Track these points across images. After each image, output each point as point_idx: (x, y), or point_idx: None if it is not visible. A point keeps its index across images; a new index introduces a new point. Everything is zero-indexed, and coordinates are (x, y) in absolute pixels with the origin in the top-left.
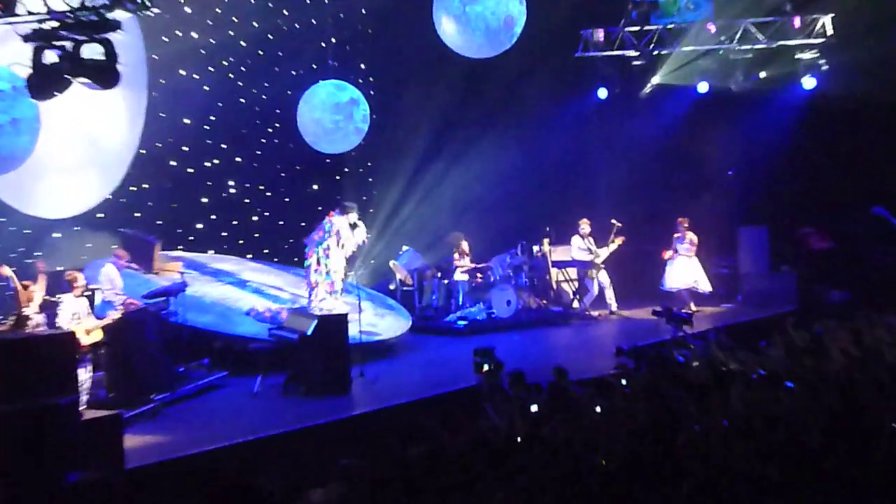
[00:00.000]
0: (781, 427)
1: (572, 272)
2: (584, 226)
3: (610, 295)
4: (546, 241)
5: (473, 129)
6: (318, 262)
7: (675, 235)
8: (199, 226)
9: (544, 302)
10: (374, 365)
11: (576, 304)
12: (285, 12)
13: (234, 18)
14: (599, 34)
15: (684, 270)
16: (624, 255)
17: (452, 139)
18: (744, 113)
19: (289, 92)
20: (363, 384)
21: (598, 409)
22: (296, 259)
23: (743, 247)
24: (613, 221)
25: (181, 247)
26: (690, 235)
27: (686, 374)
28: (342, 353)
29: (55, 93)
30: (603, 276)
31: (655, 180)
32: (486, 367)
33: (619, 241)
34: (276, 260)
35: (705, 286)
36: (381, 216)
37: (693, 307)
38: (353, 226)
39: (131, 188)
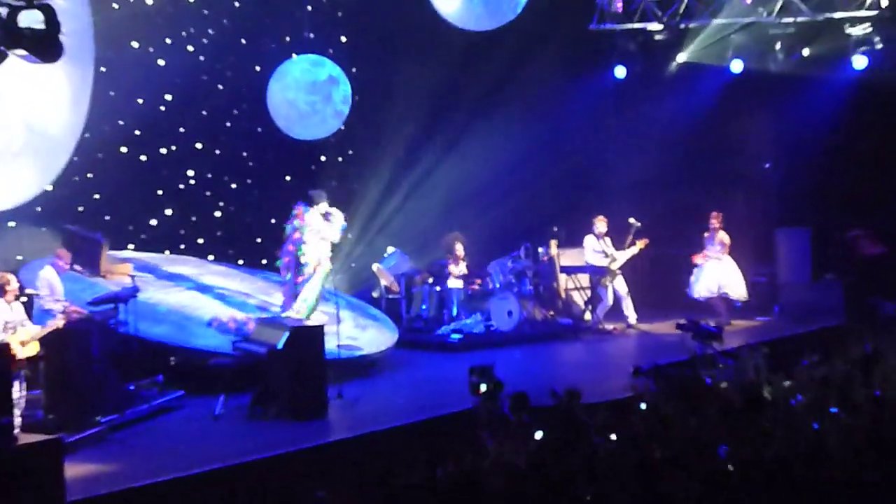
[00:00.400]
0: (827, 463)
1: (584, 279)
2: (600, 224)
3: (627, 305)
4: (554, 242)
5: (471, 114)
6: (299, 271)
7: (705, 235)
8: (153, 222)
9: (551, 313)
10: (354, 384)
11: (588, 316)
12: None
13: None
14: (618, 4)
15: (714, 275)
16: (644, 260)
17: (447, 125)
18: (784, 96)
19: (258, 68)
20: (341, 406)
21: (613, 436)
22: (265, 261)
23: (781, 252)
24: (632, 221)
25: (132, 246)
26: (721, 235)
27: (715, 397)
28: (318, 371)
29: None
30: (619, 284)
31: (681, 174)
32: (483, 388)
33: (640, 244)
34: (241, 262)
35: (739, 293)
36: (364, 212)
37: (728, 320)
38: (326, 215)
39: (74, 178)
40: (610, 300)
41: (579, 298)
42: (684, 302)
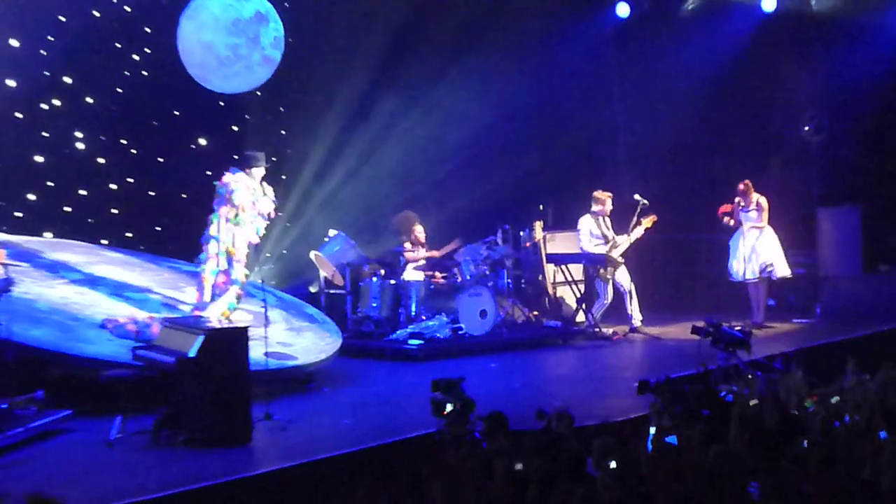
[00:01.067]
0: (878, 502)
1: (577, 270)
2: (601, 201)
3: (631, 304)
4: (539, 224)
5: (436, 62)
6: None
7: (737, 203)
8: (32, 197)
9: (535, 313)
10: (286, 402)
11: (581, 317)
12: None
13: None
14: None
15: (756, 249)
16: (654, 247)
17: (406, 76)
18: (829, 42)
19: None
20: (270, 430)
21: (612, 464)
22: (171, 247)
23: (824, 237)
24: (637, 197)
25: (4, 228)
26: (758, 198)
27: (741, 419)
28: (240, 385)
29: None
30: (622, 276)
31: (699, 140)
32: (449, 408)
33: (647, 222)
34: (143, 248)
35: (782, 270)
36: (299, 186)
37: (761, 320)
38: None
39: None
40: (609, 297)
41: (570, 295)
42: (702, 303)
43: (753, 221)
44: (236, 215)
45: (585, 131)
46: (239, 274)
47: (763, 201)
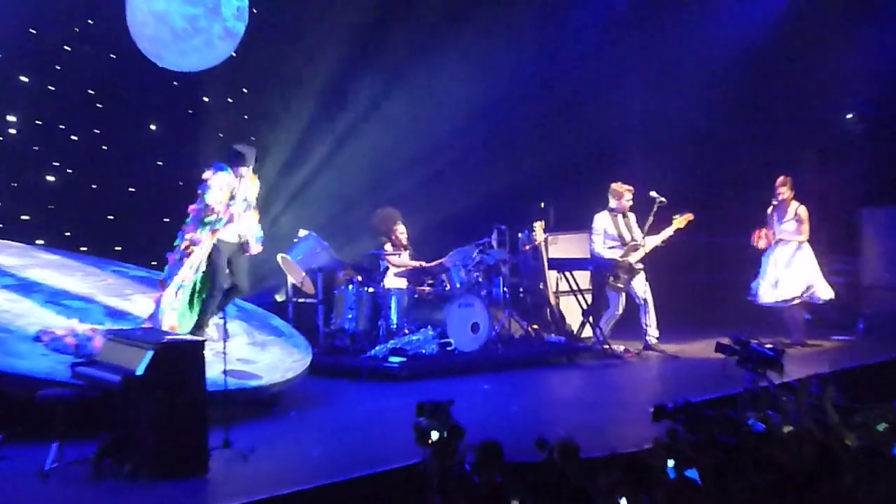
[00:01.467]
0: None
1: (583, 277)
2: (619, 194)
3: (648, 317)
4: (539, 225)
5: (422, 36)
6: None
7: (772, 206)
8: None
9: (535, 327)
10: (248, 428)
11: (588, 332)
12: None
13: None
14: None
15: (794, 267)
16: (671, 251)
17: (387, 52)
18: (877, 17)
19: None
20: (230, 459)
21: (622, 502)
22: (119, 248)
23: (868, 241)
24: (653, 194)
25: None
26: (796, 207)
27: (772, 452)
28: (195, 408)
29: None
30: (639, 285)
31: (726, 128)
32: (434, 435)
33: (680, 221)
34: (85, 249)
35: (825, 291)
36: (263, 178)
37: (801, 339)
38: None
39: None
40: (620, 308)
41: (576, 306)
42: (725, 316)
43: (790, 234)
44: (207, 216)
45: (595, 116)
46: (185, 275)
47: (803, 211)
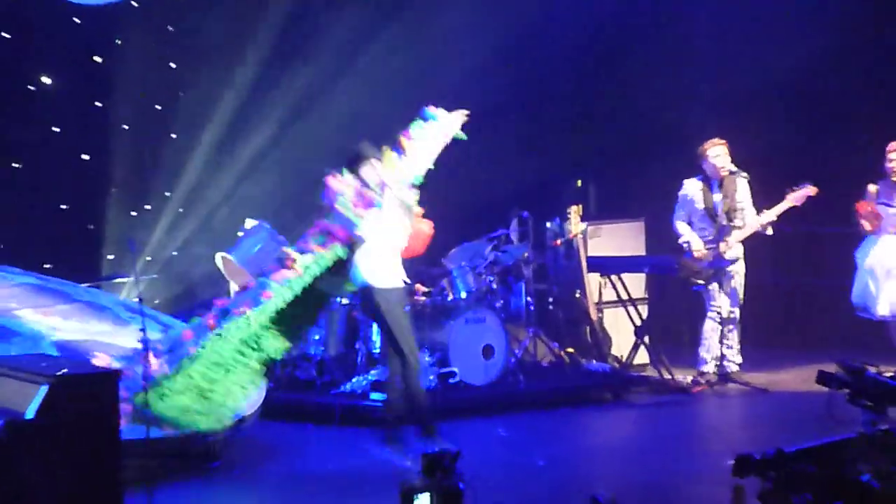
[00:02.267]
0: None
1: (638, 283)
2: (702, 155)
3: (731, 338)
4: (576, 210)
5: None
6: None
7: (876, 183)
8: None
9: (570, 351)
10: (178, 489)
11: (643, 357)
12: None
13: None
14: None
15: None
16: (755, 248)
17: None
18: None
19: None
20: None
21: None
22: (49, 265)
23: None
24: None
25: None
26: None
27: None
28: (106, 462)
29: None
30: (727, 290)
31: (831, 84)
32: (428, 501)
33: (796, 196)
34: None
35: None
36: (196, 151)
37: None
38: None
39: None
40: (723, 308)
41: (625, 322)
42: (830, 337)
43: None
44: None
45: (650, 66)
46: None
47: None
